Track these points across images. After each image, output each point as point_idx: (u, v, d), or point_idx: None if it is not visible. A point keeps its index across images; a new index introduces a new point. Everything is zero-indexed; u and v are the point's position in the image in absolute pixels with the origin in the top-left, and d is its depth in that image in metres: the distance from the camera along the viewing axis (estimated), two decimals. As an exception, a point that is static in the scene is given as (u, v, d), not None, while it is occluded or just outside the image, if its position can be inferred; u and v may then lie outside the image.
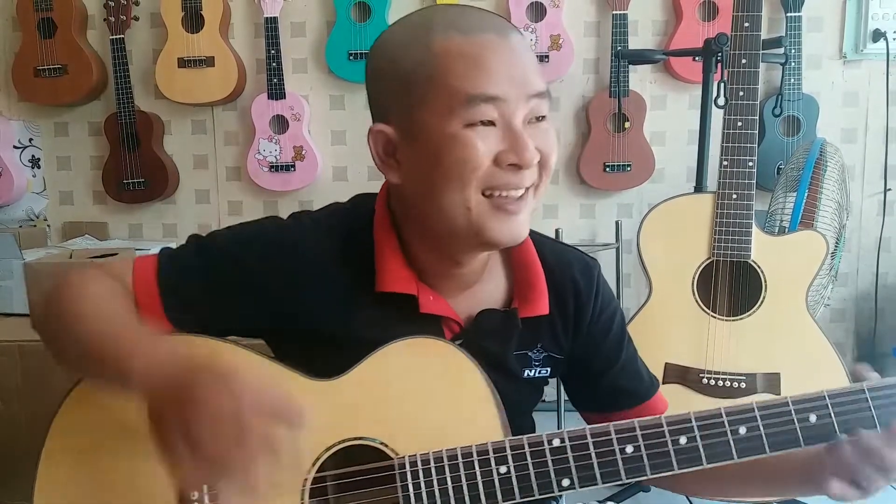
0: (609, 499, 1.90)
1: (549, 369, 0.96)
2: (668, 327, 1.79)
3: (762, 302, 1.74)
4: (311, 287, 0.88)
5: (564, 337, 0.96)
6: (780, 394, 1.72)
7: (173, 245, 2.99)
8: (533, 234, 0.92)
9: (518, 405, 0.94)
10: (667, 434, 0.80)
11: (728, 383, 1.74)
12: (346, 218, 0.93)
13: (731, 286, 1.78)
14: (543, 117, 0.82)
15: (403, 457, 0.82)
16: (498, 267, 0.95)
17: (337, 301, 0.89)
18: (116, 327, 0.80)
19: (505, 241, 0.84)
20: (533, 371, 0.95)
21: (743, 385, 1.74)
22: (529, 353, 0.95)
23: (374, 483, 0.82)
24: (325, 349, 0.86)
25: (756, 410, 0.80)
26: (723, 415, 0.80)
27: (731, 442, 0.79)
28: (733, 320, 1.76)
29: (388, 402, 0.84)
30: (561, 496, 1.08)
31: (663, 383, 1.77)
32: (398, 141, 0.83)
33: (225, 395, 0.67)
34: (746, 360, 1.75)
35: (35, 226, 2.83)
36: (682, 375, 1.76)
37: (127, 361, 0.74)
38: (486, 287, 0.94)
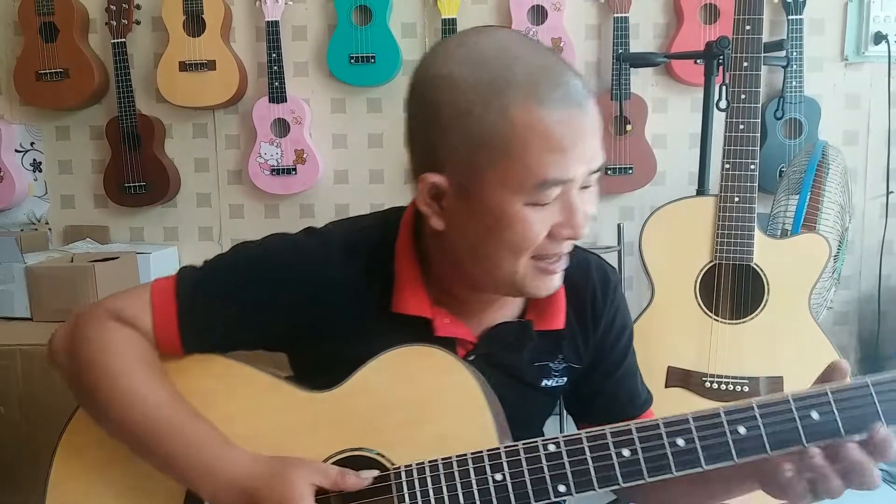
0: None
1: (566, 379, 0.96)
2: (670, 331, 1.78)
3: (765, 305, 1.73)
4: (327, 308, 0.88)
5: (584, 347, 0.96)
6: (782, 397, 1.71)
7: (174, 248, 2.95)
8: None
9: (532, 415, 0.93)
10: (664, 436, 0.77)
11: (731, 387, 1.74)
12: (370, 235, 0.91)
13: (733, 289, 1.77)
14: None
15: (399, 467, 0.81)
16: None
17: (352, 321, 0.89)
18: (169, 434, 0.83)
19: (544, 296, 0.85)
20: (552, 381, 0.95)
21: (746, 389, 1.73)
22: (550, 364, 0.94)
23: (373, 494, 0.82)
24: (341, 367, 0.86)
25: (756, 409, 0.76)
26: (721, 415, 0.77)
27: (731, 443, 0.76)
28: (736, 323, 1.75)
29: (383, 411, 0.84)
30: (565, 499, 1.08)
31: (666, 387, 1.77)
32: (449, 192, 0.79)
33: None
34: (749, 363, 1.74)
35: (36, 229, 2.83)
36: (684, 379, 1.76)
37: (194, 481, 0.82)
38: (505, 303, 0.93)
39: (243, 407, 0.87)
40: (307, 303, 0.88)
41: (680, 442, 0.77)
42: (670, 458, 0.77)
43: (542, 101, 0.73)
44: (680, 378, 1.76)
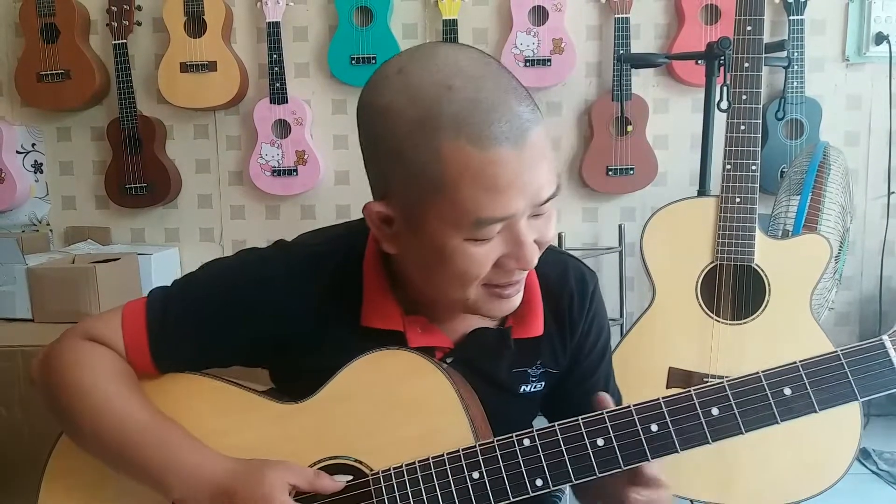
0: None
1: (543, 383, 0.96)
2: (671, 331, 1.78)
3: (766, 306, 1.73)
4: (297, 323, 0.87)
5: (562, 352, 0.96)
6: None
7: (175, 249, 2.95)
8: None
9: (515, 421, 0.93)
10: (637, 423, 0.77)
11: (732, 388, 1.74)
12: (339, 247, 0.90)
13: (734, 290, 1.77)
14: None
15: (377, 472, 0.81)
16: None
17: (324, 335, 0.88)
18: (145, 442, 0.83)
19: (500, 316, 0.86)
20: (529, 386, 0.94)
21: (747, 389, 1.73)
22: (529, 370, 0.94)
23: (353, 500, 0.82)
24: (319, 379, 0.86)
25: (727, 389, 0.76)
26: (693, 397, 0.76)
27: (704, 424, 0.76)
28: (737, 324, 1.75)
29: (358, 417, 0.84)
30: (563, 494, 1.08)
31: (667, 388, 1.77)
32: (397, 220, 0.78)
33: None
34: (750, 364, 1.70)
35: (38, 231, 2.84)
36: (685, 380, 1.76)
37: (170, 484, 0.81)
38: None
39: (221, 426, 0.87)
40: (277, 318, 0.87)
41: (653, 427, 0.77)
42: (645, 444, 0.77)
43: (474, 139, 0.69)
44: (681, 379, 1.76)
